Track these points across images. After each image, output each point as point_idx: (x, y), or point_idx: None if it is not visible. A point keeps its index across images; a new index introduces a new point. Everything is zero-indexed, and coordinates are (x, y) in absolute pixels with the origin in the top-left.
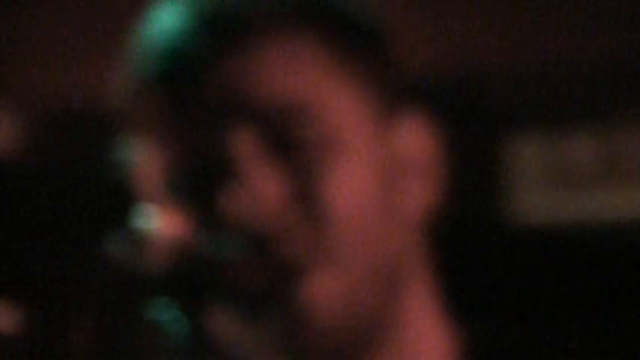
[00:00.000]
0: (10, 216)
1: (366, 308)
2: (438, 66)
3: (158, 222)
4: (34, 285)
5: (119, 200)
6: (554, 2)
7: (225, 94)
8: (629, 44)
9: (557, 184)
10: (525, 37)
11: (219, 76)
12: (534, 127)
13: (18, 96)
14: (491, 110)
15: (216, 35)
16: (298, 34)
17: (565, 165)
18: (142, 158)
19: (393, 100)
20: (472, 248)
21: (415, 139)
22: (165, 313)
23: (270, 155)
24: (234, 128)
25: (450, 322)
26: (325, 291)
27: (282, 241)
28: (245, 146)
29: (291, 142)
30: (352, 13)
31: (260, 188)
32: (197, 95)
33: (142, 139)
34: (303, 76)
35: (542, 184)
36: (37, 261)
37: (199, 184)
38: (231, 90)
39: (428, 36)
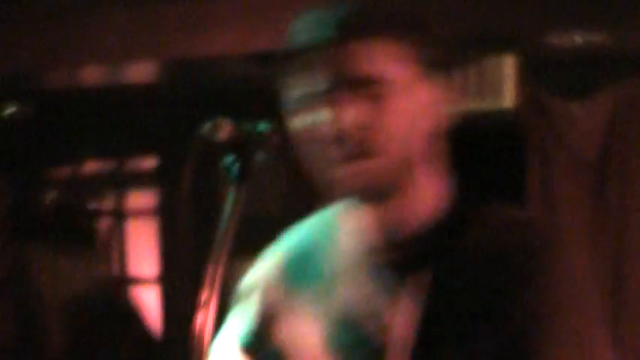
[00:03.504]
0: None
1: (393, 177)
2: None
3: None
4: None
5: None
6: None
7: (339, 61)
8: None
9: None
10: None
11: (336, 52)
12: None
13: None
14: None
15: (337, 30)
16: (379, 35)
17: None
18: (291, 83)
19: (425, 71)
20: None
21: (431, 93)
22: None
23: (353, 95)
24: (341, 79)
25: (445, 185)
26: (365, 173)
27: (353, 136)
28: (342, 88)
29: (366, 92)
30: (408, 21)
31: (347, 109)
32: (326, 58)
33: (294, 77)
34: (378, 60)
35: None
36: None
37: (319, 99)
38: (341, 60)
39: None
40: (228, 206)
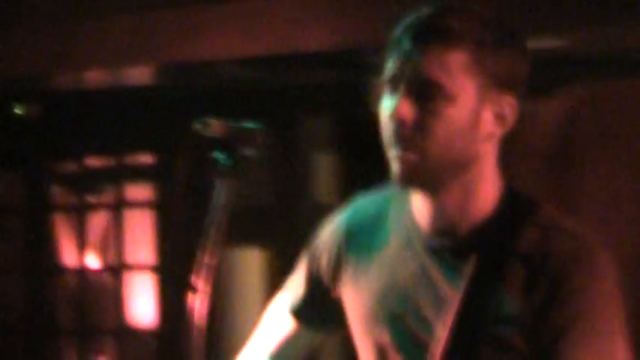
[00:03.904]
0: None
1: (436, 171)
2: None
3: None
4: None
5: None
6: None
7: (412, 60)
8: None
9: None
10: None
11: (412, 52)
12: None
13: None
14: None
15: (418, 36)
16: (449, 47)
17: None
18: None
19: (491, 87)
20: None
21: (500, 106)
22: None
23: (413, 94)
24: (408, 77)
25: (495, 186)
26: (405, 166)
27: (407, 139)
28: (406, 94)
29: (425, 95)
30: (492, 34)
31: (404, 106)
32: (404, 54)
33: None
34: (446, 68)
35: None
36: None
37: (392, 89)
38: (414, 60)
39: None
40: (218, 198)
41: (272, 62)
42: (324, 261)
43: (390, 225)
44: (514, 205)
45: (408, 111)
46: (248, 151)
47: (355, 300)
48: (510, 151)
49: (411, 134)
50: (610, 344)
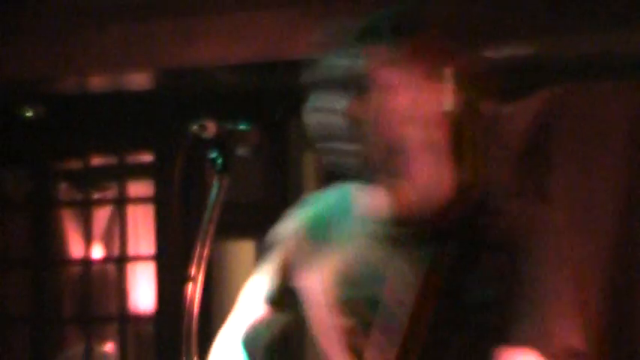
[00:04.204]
0: None
1: (384, 157)
2: None
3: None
4: None
5: None
6: None
7: (353, 60)
8: None
9: None
10: None
11: (352, 52)
12: None
13: None
14: None
15: (355, 36)
16: (389, 46)
17: None
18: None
19: (426, 77)
20: None
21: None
22: None
23: (357, 88)
24: (352, 74)
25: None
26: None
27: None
28: (352, 82)
29: (365, 88)
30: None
31: (353, 100)
32: (346, 57)
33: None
34: (383, 63)
35: None
36: None
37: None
38: (354, 59)
39: None
40: (213, 194)
41: (260, 67)
42: (288, 252)
43: (347, 218)
44: (466, 192)
45: (357, 103)
46: (241, 151)
47: (317, 288)
48: (489, 148)
49: (363, 128)
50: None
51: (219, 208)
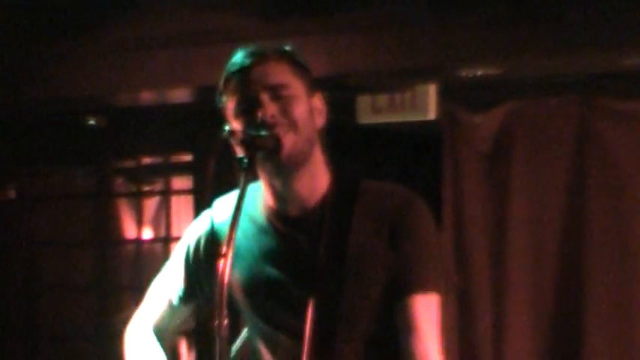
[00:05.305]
0: None
1: (303, 150)
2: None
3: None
4: None
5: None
6: None
7: (257, 78)
8: None
9: None
10: None
11: (254, 72)
12: None
13: None
14: None
15: (254, 58)
16: (280, 61)
17: None
18: (227, 102)
19: (312, 87)
20: None
21: (318, 102)
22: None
23: (272, 99)
24: (260, 90)
25: (328, 168)
26: (289, 142)
27: (274, 126)
28: (264, 95)
29: (280, 95)
30: (297, 56)
31: (269, 109)
32: (248, 77)
33: (229, 97)
34: (282, 75)
35: None
36: None
37: (247, 109)
38: (258, 77)
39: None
40: (239, 187)
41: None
42: (196, 252)
43: (249, 215)
44: (345, 178)
45: (272, 108)
46: (261, 153)
47: (232, 282)
48: (459, 152)
49: (275, 122)
50: (439, 263)
51: (244, 198)
